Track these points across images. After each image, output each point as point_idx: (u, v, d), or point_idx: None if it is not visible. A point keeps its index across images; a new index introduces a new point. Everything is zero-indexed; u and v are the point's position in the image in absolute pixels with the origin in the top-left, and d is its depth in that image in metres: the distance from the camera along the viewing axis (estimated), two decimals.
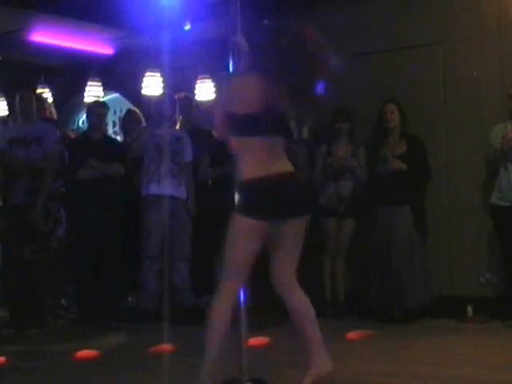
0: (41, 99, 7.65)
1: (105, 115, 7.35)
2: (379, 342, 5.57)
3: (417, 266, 6.51)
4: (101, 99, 8.44)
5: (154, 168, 6.94)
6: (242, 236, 3.67)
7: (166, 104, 7.18)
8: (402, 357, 5.02)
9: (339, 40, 7.37)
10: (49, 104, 8.12)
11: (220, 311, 3.70)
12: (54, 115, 8.06)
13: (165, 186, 6.81)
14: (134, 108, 8.43)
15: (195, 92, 8.10)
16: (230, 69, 4.13)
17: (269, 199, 3.66)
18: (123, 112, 8.55)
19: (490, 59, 6.69)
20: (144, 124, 7.85)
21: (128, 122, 7.96)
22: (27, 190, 6.48)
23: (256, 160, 3.67)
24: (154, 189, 6.90)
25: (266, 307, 5.88)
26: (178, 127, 7.33)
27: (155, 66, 8.15)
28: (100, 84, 8.74)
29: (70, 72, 9.20)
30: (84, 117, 8.43)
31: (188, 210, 6.98)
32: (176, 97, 7.44)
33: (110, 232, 6.89)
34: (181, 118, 7.44)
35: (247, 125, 3.68)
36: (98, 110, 7.18)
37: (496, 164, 6.22)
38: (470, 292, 6.58)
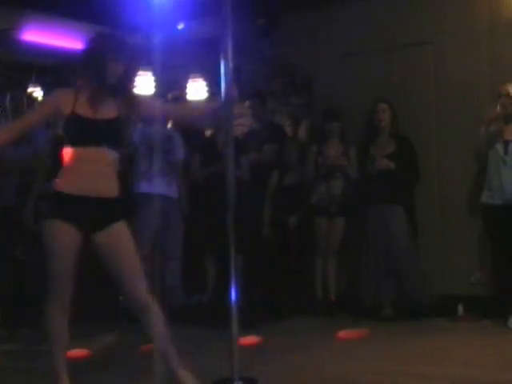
0: (31, 98, 7.62)
1: None
2: (371, 340, 5.57)
3: (411, 264, 6.54)
4: None
5: (145, 166, 6.93)
6: None
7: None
8: (395, 356, 5.03)
9: (330, 40, 7.42)
10: None
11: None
12: None
13: (156, 184, 6.79)
14: None
15: (187, 91, 8.09)
16: (221, 68, 4.13)
17: None
18: None
19: (480, 59, 6.71)
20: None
21: None
22: (17, 189, 6.45)
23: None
24: (144, 187, 6.89)
25: (257, 306, 5.90)
26: (169, 126, 7.33)
27: (147, 64, 8.12)
28: None
29: (60, 71, 9.17)
30: None
31: (179, 209, 6.98)
32: (170, 96, 7.44)
33: None
34: None
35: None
36: None
37: (487, 149, 6.20)
38: (460, 291, 6.59)
